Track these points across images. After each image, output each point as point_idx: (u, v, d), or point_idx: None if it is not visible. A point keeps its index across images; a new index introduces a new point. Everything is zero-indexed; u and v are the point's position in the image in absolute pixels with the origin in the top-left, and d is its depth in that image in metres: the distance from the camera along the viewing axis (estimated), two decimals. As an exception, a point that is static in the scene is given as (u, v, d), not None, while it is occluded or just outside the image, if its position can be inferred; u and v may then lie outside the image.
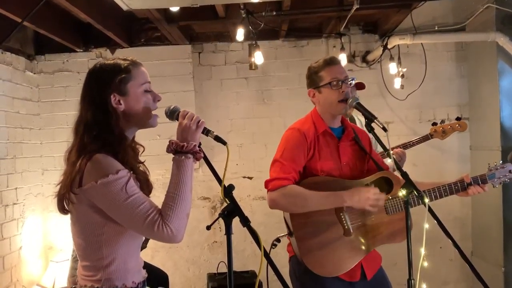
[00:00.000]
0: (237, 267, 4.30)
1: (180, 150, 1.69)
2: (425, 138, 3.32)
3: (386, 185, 2.44)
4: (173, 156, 1.71)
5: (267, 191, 2.37)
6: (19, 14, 3.12)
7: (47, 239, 4.56)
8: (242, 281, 4.07)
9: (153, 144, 4.06)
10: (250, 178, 4.71)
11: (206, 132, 1.74)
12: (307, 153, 2.39)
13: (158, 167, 4.41)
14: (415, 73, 4.57)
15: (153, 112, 1.79)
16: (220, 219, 1.68)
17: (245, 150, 4.73)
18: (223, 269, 4.17)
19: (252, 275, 4.20)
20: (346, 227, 2.37)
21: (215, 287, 4.01)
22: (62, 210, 1.74)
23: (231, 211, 1.64)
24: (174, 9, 3.35)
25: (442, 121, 3.37)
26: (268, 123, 4.70)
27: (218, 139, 1.73)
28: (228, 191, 1.66)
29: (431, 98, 4.69)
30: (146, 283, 1.86)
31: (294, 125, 2.50)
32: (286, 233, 2.49)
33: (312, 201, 2.30)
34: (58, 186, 1.74)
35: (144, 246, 3.15)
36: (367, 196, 2.26)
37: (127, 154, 1.72)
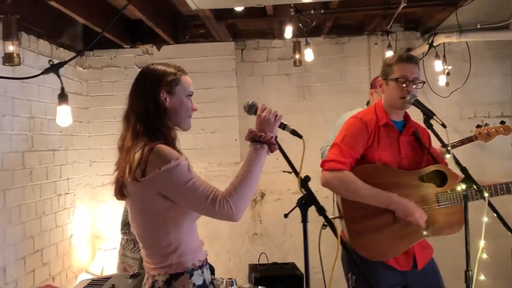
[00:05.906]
0: (277, 258, 4.42)
1: (258, 139, 1.80)
2: (469, 140, 3.33)
3: (439, 179, 2.52)
4: (250, 143, 1.81)
5: (322, 170, 2.49)
6: (82, 14, 3.25)
7: (95, 228, 4.74)
8: (283, 273, 4.16)
9: (197, 138, 4.24)
10: (290, 172, 4.76)
11: (283, 126, 1.85)
12: (367, 142, 2.50)
13: (201, 160, 4.54)
14: (456, 70, 4.57)
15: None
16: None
17: (285, 145, 4.66)
18: (264, 260, 4.28)
19: (292, 267, 4.28)
20: (397, 214, 2.45)
21: (258, 277, 4.07)
22: (121, 195, 1.83)
23: (307, 200, 1.73)
24: (239, 9, 3.46)
25: (486, 124, 3.36)
26: (308, 119, 4.74)
27: (294, 133, 1.84)
28: (304, 182, 1.76)
29: (472, 95, 4.69)
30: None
31: (357, 114, 2.62)
32: (338, 215, 2.58)
33: (362, 193, 2.41)
34: (116, 172, 1.83)
35: None
36: (412, 213, 2.37)
37: (175, 144, 1.85)
